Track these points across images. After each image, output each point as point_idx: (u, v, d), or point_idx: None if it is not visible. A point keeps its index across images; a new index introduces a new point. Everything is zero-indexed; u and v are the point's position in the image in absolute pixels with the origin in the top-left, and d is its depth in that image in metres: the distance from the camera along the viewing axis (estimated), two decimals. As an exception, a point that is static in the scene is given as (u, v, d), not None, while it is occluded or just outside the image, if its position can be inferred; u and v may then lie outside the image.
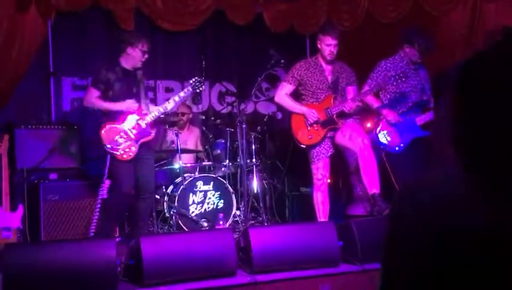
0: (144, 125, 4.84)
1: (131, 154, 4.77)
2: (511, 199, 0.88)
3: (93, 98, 4.77)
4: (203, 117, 6.92)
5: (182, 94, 5.02)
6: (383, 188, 4.92)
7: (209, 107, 7.40)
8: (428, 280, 0.99)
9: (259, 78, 5.28)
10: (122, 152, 4.74)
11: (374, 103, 5.13)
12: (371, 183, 4.71)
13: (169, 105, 4.94)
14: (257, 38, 7.27)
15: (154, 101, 7.15)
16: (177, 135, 5.69)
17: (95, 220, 4.69)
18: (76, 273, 3.56)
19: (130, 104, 4.77)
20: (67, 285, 3.55)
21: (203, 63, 6.46)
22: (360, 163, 4.79)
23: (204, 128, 6.58)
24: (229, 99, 7.16)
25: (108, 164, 4.72)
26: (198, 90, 5.10)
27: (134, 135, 4.80)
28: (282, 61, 5.16)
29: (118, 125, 4.78)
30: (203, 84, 5.15)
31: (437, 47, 5.14)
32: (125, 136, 4.76)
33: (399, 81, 4.84)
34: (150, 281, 3.72)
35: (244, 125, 5.30)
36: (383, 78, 5.00)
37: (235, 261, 3.98)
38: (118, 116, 4.80)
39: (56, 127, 5.70)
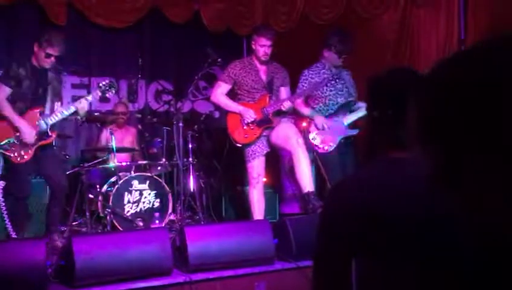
0: (43, 127, 4.58)
1: (26, 157, 4.51)
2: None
3: (4, 100, 4.45)
4: (140, 115, 6.84)
5: (89, 98, 4.82)
6: (317, 187, 5.06)
7: (145, 106, 7.33)
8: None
9: (196, 77, 5.27)
10: (16, 154, 4.50)
11: (303, 108, 5.29)
12: (304, 182, 4.80)
13: (70, 110, 4.67)
14: (194, 37, 7.26)
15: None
16: (112, 134, 5.59)
17: (7, 222, 4.50)
18: (5, 274, 3.44)
19: (28, 133, 4.48)
20: (-6, 288, 3.42)
21: (140, 61, 6.40)
22: (294, 162, 4.88)
23: (140, 126, 6.50)
24: (165, 97, 7.10)
25: (1, 163, 4.48)
26: (107, 95, 4.99)
27: (32, 136, 4.53)
28: (219, 60, 5.18)
29: (19, 125, 4.48)
30: (114, 88, 4.98)
31: (358, 48, 5.32)
32: (26, 139, 4.50)
33: (324, 87, 5.13)
34: (82, 282, 3.63)
35: (180, 124, 5.27)
36: (308, 86, 5.16)
37: (170, 260, 3.96)
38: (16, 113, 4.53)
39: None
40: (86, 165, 5.69)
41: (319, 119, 5.17)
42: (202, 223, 5.48)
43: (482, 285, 0.84)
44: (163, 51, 7.43)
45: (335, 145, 5.16)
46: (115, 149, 5.52)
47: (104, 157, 5.90)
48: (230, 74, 5.04)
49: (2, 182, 4.50)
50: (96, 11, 6.50)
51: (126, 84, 7.16)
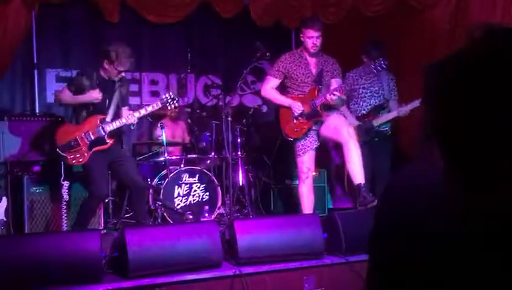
0: (101, 134, 4.70)
1: (81, 160, 4.65)
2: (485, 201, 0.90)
3: (65, 96, 4.70)
4: (189, 110, 6.92)
5: (149, 108, 4.88)
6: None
7: (194, 100, 7.40)
8: (409, 280, 1.01)
9: (244, 71, 5.27)
10: (72, 157, 4.64)
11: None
12: (356, 173, 4.74)
13: (132, 118, 4.78)
14: (243, 32, 7.28)
15: (139, 94, 7.14)
16: (162, 128, 5.68)
17: (64, 223, 4.69)
18: (61, 265, 3.55)
19: (95, 94, 4.65)
20: (51, 277, 3.53)
21: (189, 55, 6.46)
22: (345, 153, 4.81)
23: (189, 120, 6.57)
24: (214, 92, 7.16)
25: (63, 165, 4.69)
26: (169, 107, 5.03)
27: (89, 141, 4.67)
28: (267, 54, 5.15)
29: (75, 128, 4.68)
30: (177, 101, 5.03)
31: (410, 41, 5.53)
32: (79, 141, 4.65)
33: (362, 90, 5.62)
34: (135, 273, 3.71)
35: (229, 118, 5.29)
36: (349, 87, 5.37)
37: (220, 253, 4.00)
38: (79, 120, 4.73)
39: (40, 118, 5.65)
40: (138, 158, 5.81)
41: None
42: (251, 216, 5.51)
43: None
44: (212, 45, 7.49)
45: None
46: (165, 143, 5.61)
47: (155, 151, 6.00)
48: (280, 67, 5.02)
49: (66, 182, 4.67)
50: (147, 8, 6.60)
51: (176, 78, 7.26)
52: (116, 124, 4.74)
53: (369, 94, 5.64)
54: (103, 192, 4.80)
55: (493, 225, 0.85)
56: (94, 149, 4.68)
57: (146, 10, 6.67)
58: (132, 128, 4.96)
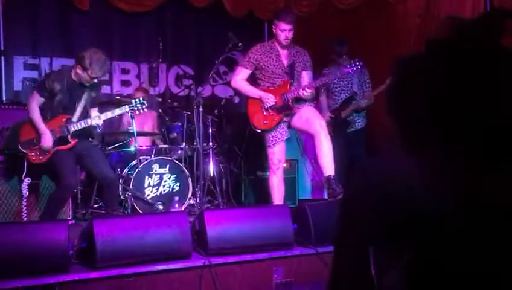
0: (65, 133, 4.66)
1: (41, 158, 4.63)
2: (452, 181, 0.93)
3: (35, 106, 4.64)
4: (160, 100, 6.86)
5: (116, 111, 4.85)
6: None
7: (166, 90, 7.35)
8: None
9: (216, 62, 5.26)
10: (33, 154, 4.63)
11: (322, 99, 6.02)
12: (326, 165, 4.78)
13: (97, 120, 4.72)
14: (216, 22, 7.24)
15: (110, 82, 7.05)
16: (132, 118, 5.61)
17: (24, 218, 4.66)
18: (27, 256, 3.49)
19: (46, 144, 4.60)
20: (17, 268, 3.48)
21: (161, 45, 6.40)
22: (316, 145, 4.85)
23: (160, 111, 6.52)
24: (186, 82, 7.12)
25: (26, 162, 4.65)
26: (137, 112, 4.98)
27: (52, 140, 4.64)
28: (240, 44, 5.14)
29: (41, 131, 4.62)
30: (145, 106, 4.97)
31: (381, 34, 5.70)
32: (44, 145, 4.61)
33: (332, 86, 5.96)
34: (103, 264, 3.68)
35: (201, 109, 5.28)
36: (325, 78, 5.46)
37: (190, 244, 3.98)
38: (45, 118, 4.67)
39: (7, 106, 5.53)
40: (107, 148, 5.74)
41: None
42: (221, 207, 5.50)
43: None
44: (184, 35, 7.42)
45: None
46: (135, 133, 5.55)
47: (125, 141, 5.94)
48: (251, 59, 5.01)
49: (27, 179, 4.64)
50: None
51: (147, 68, 7.19)
52: (81, 125, 4.70)
53: (338, 89, 5.95)
54: (72, 183, 4.74)
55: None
56: (56, 148, 4.65)
57: (117, -2, 6.58)
58: (98, 130, 4.89)
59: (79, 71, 4.65)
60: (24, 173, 4.66)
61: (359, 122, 5.95)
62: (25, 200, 4.67)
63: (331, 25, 6.40)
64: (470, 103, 0.93)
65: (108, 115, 4.82)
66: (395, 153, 1.16)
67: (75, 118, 4.71)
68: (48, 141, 4.61)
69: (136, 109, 4.92)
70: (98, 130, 4.92)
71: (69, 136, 4.67)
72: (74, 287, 3.58)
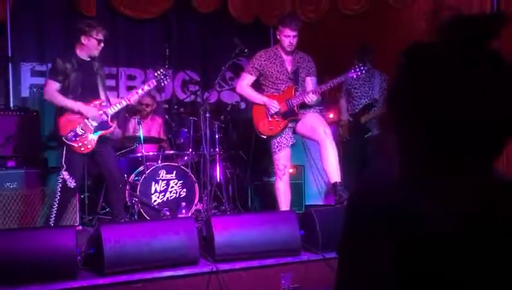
0: (104, 118, 4.71)
1: (89, 146, 4.64)
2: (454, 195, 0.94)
3: (54, 92, 4.59)
4: (166, 106, 6.88)
5: (145, 87, 4.89)
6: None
7: (172, 96, 7.36)
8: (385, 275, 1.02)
9: (223, 68, 5.26)
10: (80, 144, 4.61)
11: (342, 102, 6.07)
12: (332, 172, 4.78)
13: (132, 98, 4.82)
14: (222, 28, 7.26)
15: (116, 89, 7.07)
16: (139, 124, 5.64)
17: (54, 211, 4.60)
18: (35, 262, 3.50)
19: (92, 112, 4.64)
20: (25, 274, 3.48)
21: (167, 51, 6.41)
22: (321, 152, 4.85)
23: (167, 116, 6.53)
24: (192, 88, 7.13)
25: (64, 154, 4.59)
26: (162, 84, 5.01)
27: (94, 127, 4.66)
28: (246, 50, 5.14)
29: (77, 116, 4.62)
30: (168, 77, 5.02)
31: (388, 39, 5.73)
32: (84, 128, 4.62)
33: (353, 90, 5.93)
34: (110, 270, 3.68)
35: (207, 114, 5.28)
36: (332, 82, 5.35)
37: (197, 250, 3.98)
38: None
39: (14, 113, 5.55)
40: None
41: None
42: (228, 213, 5.50)
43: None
44: (190, 41, 7.45)
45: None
46: (142, 139, 5.56)
47: (132, 147, 5.96)
48: (256, 64, 5.02)
49: (66, 172, 4.58)
50: (125, 3, 6.54)
51: (153, 74, 7.20)
52: (117, 107, 4.76)
53: (359, 94, 5.94)
54: (76, 184, 4.71)
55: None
56: (100, 134, 4.68)
57: (123, 5, 6.61)
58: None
59: (84, 42, 4.62)
60: (64, 168, 4.57)
61: (374, 130, 5.96)
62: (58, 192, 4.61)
63: (336, 31, 6.41)
64: (462, 110, 0.93)
65: (139, 92, 4.86)
66: (397, 165, 1.17)
67: (105, 101, 4.76)
68: (93, 111, 4.62)
69: (161, 80, 4.95)
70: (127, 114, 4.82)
71: (108, 120, 4.72)
72: (82, 293, 3.59)
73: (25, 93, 6.45)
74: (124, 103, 4.78)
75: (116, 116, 4.89)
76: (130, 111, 6.13)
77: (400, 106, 1.02)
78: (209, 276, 3.89)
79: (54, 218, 4.61)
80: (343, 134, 6.03)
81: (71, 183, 4.57)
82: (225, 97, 7.60)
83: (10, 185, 5.05)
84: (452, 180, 0.95)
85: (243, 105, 7.19)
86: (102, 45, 4.71)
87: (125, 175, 5.69)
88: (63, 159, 4.59)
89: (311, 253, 4.26)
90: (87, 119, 4.64)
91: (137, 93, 4.85)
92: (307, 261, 4.22)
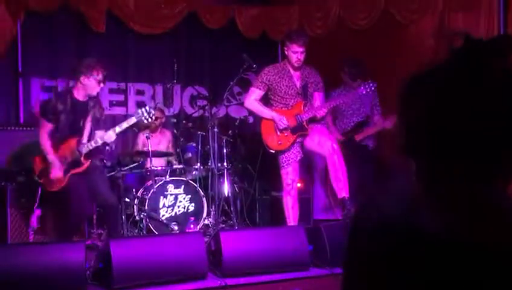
0: (77, 155, 4.62)
1: (58, 185, 4.57)
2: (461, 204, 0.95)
3: (45, 134, 4.58)
4: (175, 120, 6.91)
5: (124, 125, 4.76)
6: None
7: (180, 111, 7.40)
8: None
9: (231, 83, 5.29)
10: (49, 182, 4.58)
11: (329, 119, 5.86)
12: (340, 187, 4.78)
13: (108, 137, 4.67)
14: (230, 43, 7.31)
15: (125, 104, 7.12)
16: (148, 138, 5.66)
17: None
18: (45, 276, 3.52)
19: (56, 170, 4.57)
20: (34, 288, 3.50)
21: (175, 66, 6.46)
22: (329, 167, 4.85)
23: (175, 131, 6.56)
24: (200, 102, 7.16)
25: (40, 192, 4.63)
26: (145, 121, 4.89)
27: (66, 165, 4.60)
28: (254, 66, 5.17)
29: (51, 161, 4.57)
30: (153, 115, 4.89)
31: (395, 54, 5.76)
32: (53, 176, 4.57)
33: (344, 108, 5.79)
34: (119, 285, 3.69)
35: (215, 129, 5.30)
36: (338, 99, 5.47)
37: (205, 264, 3.99)
38: (54, 144, 4.63)
39: (24, 128, 5.59)
40: (123, 169, 5.78)
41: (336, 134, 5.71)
42: (236, 228, 5.50)
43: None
44: (199, 56, 7.50)
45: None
46: (150, 153, 5.59)
47: (140, 162, 5.98)
48: (264, 79, 5.04)
49: (39, 210, 4.66)
50: (135, 18, 6.61)
51: (162, 89, 7.25)
52: (92, 145, 4.64)
53: (350, 112, 5.83)
54: (80, 211, 4.67)
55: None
56: (71, 172, 4.59)
57: (133, 21, 6.68)
58: (108, 148, 4.86)
59: (84, 82, 4.56)
60: (36, 204, 4.65)
61: (370, 144, 5.89)
62: (31, 233, 4.66)
63: (344, 45, 6.43)
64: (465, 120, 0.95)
65: (117, 129, 4.71)
66: (398, 177, 1.18)
67: (84, 139, 4.67)
68: (56, 172, 4.56)
69: (143, 117, 4.80)
70: (112, 148, 4.87)
71: (81, 158, 4.61)
72: (91, 308, 3.59)
73: (36, 108, 6.49)
74: (100, 142, 4.66)
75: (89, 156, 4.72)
76: (139, 126, 6.16)
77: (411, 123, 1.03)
78: (217, 291, 3.89)
79: None
80: None
81: (35, 224, 4.63)
82: (233, 112, 7.63)
83: (21, 200, 5.07)
84: (451, 187, 0.97)
85: (251, 119, 7.20)
86: (102, 85, 4.66)
87: (134, 190, 5.72)
88: (38, 198, 4.64)
89: (319, 268, 4.25)
90: (60, 156, 4.59)
91: (114, 131, 4.69)
92: (316, 276, 4.21)
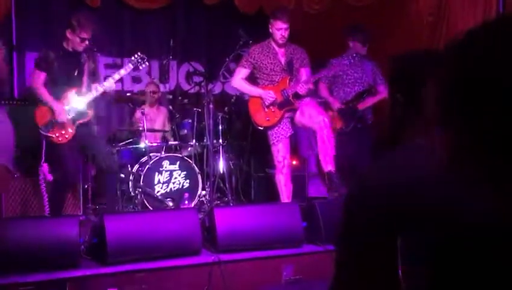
0: (81, 107, 4.66)
1: (67, 136, 4.61)
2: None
3: (39, 84, 4.59)
4: (171, 96, 6.88)
5: (122, 72, 4.89)
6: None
7: (176, 87, 7.35)
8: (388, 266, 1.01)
9: (227, 59, 5.27)
10: (57, 134, 4.59)
11: (323, 90, 5.79)
12: (326, 161, 4.81)
13: (108, 84, 4.78)
14: (226, 19, 7.24)
15: (120, 79, 7.06)
16: (143, 114, 5.64)
17: (46, 203, 4.61)
18: (38, 250, 3.52)
19: (59, 110, 4.59)
20: (28, 262, 3.50)
21: (171, 42, 6.41)
22: (318, 141, 4.89)
23: (171, 107, 6.53)
24: (196, 79, 7.11)
25: (44, 147, 4.59)
26: (140, 67, 5.08)
27: (71, 116, 4.63)
28: (250, 42, 5.17)
29: (53, 106, 4.60)
30: (145, 61, 5.07)
31: (394, 31, 5.78)
32: (60, 118, 4.59)
33: (344, 75, 5.68)
34: (113, 260, 3.70)
35: (211, 106, 5.29)
36: (332, 73, 5.58)
37: (199, 240, 4.00)
38: (55, 97, 4.64)
39: (19, 102, 5.55)
40: (118, 145, 5.77)
41: (336, 102, 5.71)
42: (231, 204, 5.51)
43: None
44: (195, 32, 7.43)
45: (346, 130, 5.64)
46: (146, 129, 5.57)
47: (136, 138, 5.96)
48: (249, 58, 5.09)
49: (46, 164, 4.59)
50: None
51: (158, 64, 7.20)
52: (94, 94, 4.71)
53: (352, 81, 5.72)
54: (72, 170, 4.72)
55: None
56: (77, 122, 4.65)
57: (128, -5, 6.60)
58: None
59: (69, 36, 4.61)
60: (43, 159, 4.58)
61: (369, 117, 5.78)
62: (44, 185, 4.59)
63: (342, 23, 6.38)
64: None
65: (116, 77, 4.86)
66: (407, 147, 1.14)
67: (84, 89, 4.71)
68: (62, 114, 4.59)
69: (138, 64, 5.02)
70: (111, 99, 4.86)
71: (86, 108, 4.69)
72: (84, 282, 3.60)
73: (30, 82, 6.45)
74: (100, 89, 4.72)
75: (93, 104, 4.79)
76: (135, 102, 6.13)
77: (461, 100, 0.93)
78: (211, 266, 3.90)
79: (47, 209, 4.62)
80: (336, 126, 5.64)
81: (50, 177, 4.57)
82: (229, 88, 7.58)
83: (14, 174, 5.06)
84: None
85: (246, 96, 7.17)
86: (86, 42, 4.66)
87: (129, 166, 5.71)
88: (43, 152, 4.59)
89: (313, 245, 4.27)
90: (64, 110, 4.61)
91: (113, 78, 4.83)
92: (309, 253, 4.23)
